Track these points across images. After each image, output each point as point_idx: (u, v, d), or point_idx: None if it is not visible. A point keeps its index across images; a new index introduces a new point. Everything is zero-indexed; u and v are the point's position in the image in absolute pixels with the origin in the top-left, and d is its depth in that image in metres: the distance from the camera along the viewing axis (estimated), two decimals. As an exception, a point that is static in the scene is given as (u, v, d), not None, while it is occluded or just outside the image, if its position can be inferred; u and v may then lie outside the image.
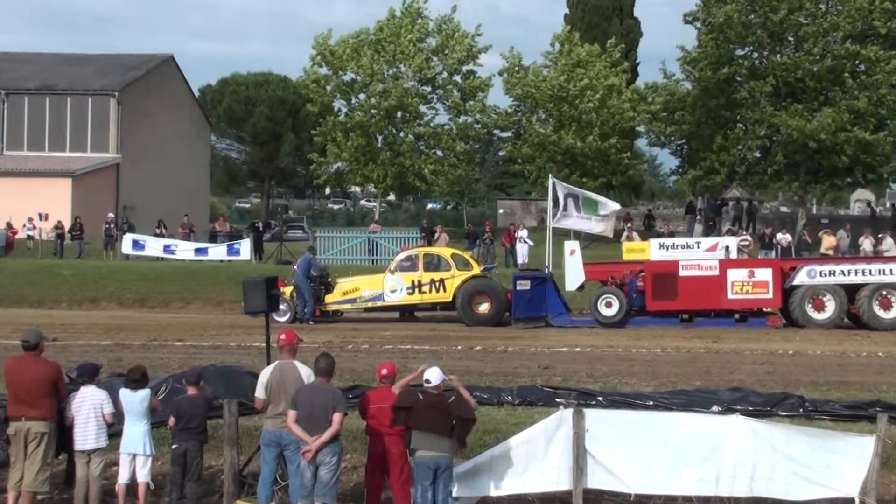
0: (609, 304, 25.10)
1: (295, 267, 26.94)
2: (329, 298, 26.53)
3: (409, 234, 40.28)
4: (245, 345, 21.10)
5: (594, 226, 27.23)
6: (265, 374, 10.42)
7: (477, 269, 26.66)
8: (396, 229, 46.73)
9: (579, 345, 21.81)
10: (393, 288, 26.36)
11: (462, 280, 25.99)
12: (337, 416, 9.67)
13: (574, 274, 25.83)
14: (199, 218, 50.32)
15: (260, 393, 10.36)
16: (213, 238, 42.10)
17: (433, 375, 9.90)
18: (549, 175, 29.58)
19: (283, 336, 10.52)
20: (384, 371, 10.38)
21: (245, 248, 37.70)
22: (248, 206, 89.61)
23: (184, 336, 22.67)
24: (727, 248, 26.05)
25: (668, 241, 27.98)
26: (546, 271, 26.40)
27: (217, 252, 38.03)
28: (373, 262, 37.61)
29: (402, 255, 27.60)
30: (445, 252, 27.84)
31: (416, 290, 26.27)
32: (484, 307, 25.81)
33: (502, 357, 20.01)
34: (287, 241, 44.73)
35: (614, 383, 16.10)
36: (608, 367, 18.22)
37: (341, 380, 14.87)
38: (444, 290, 26.12)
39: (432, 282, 26.21)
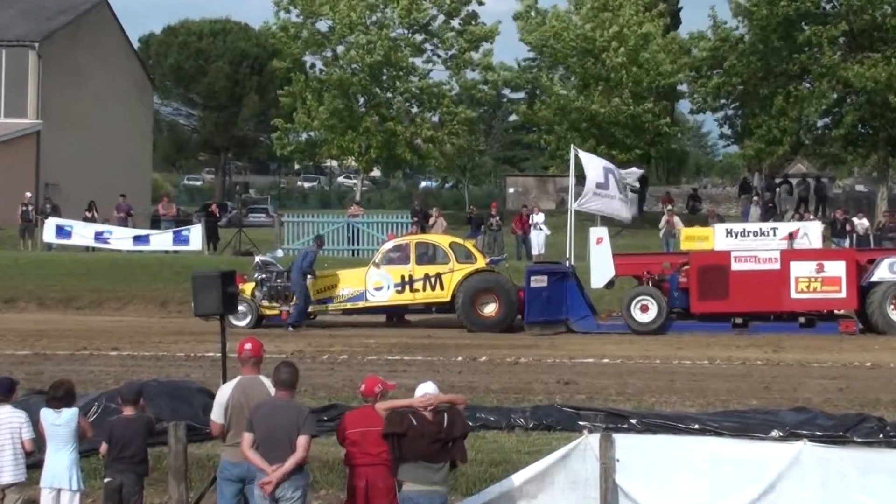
0: (645, 308, 24.89)
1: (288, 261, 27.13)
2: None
3: (397, 219, 40.33)
4: (195, 355, 21.14)
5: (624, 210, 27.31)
6: (224, 393, 10.35)
7: (482, 262, 26.67)
8: (382, 213, 46.84)
9: (608, 355, 21.83)
10: (378, 285, 26.37)
11: (463, 275, 26.00)
12: (303, 440, 9.58)
13: (602, 267, 25.81)
14: (139, 198, 50.26)
15: (217, 416, 10.30)
16: (155, 223, 42.11)
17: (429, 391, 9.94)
18: (572, 145, 29.57)
19: (248, 345, 10.41)
20: (363, 387, 10.36)
21: (195, 235, 37.70)
22: (199, 183, 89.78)
23: (120, 344, 22.69)
24: (796, 235, 25.68)
25: (738, 226, 27.41)
26: (567, 264, 26.42)
27: (161, 241, 38.06)
28: (353, 254, 37.68)
29: (390, 245, 27.61)
30: (443, 241, 27.87)
31: (407, 287, 26.28)
32: (490, 309, 25.83)
33: (513, 370, 20.05)
34: (247, 226, 44.70)
35: (651, 402, 16.14)
36: (643, 383, 18.26)
37: (314, 398, 14.92)
38: (442, 288, 26.14)
39: (427, 277, 26.22)
